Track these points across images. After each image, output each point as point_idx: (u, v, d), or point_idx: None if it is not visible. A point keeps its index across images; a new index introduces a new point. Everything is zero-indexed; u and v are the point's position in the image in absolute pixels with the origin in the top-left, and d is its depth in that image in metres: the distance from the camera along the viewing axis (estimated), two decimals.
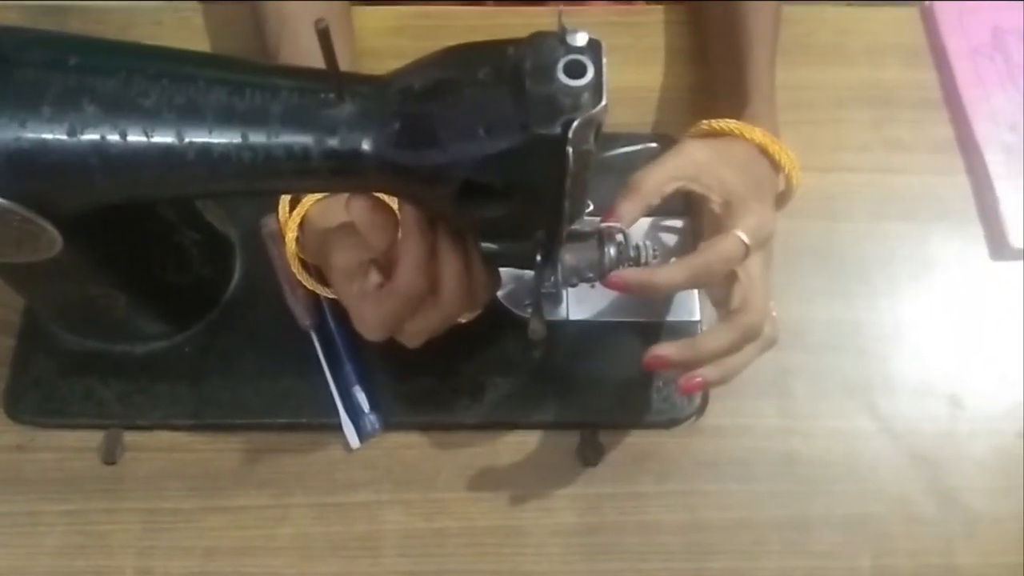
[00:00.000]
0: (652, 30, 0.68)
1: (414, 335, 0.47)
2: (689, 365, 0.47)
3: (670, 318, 0.56)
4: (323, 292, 0.54)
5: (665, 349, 0.47)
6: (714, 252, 0.47)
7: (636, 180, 0.49)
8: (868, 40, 0.68)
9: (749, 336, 0.47)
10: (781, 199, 0.55)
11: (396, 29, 0.68)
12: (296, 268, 0.54)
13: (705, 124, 0.53)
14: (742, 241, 0.47)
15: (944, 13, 0.67)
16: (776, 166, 0.53)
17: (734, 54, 0.58)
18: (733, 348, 0.47)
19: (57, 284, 0.49)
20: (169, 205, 0.51)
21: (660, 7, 0.69)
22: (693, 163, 0.50)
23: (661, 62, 0.67)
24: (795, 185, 0.54)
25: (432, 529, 0.52)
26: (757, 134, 0.52)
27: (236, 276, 0.58)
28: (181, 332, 0.56)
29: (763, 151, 0.53)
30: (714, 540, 0.52)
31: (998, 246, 0.60)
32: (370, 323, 0.46)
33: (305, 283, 0.54)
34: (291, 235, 0.53)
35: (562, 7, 0.38)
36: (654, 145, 0.42)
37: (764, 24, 0.58)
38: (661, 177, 0.49)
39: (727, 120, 0.53)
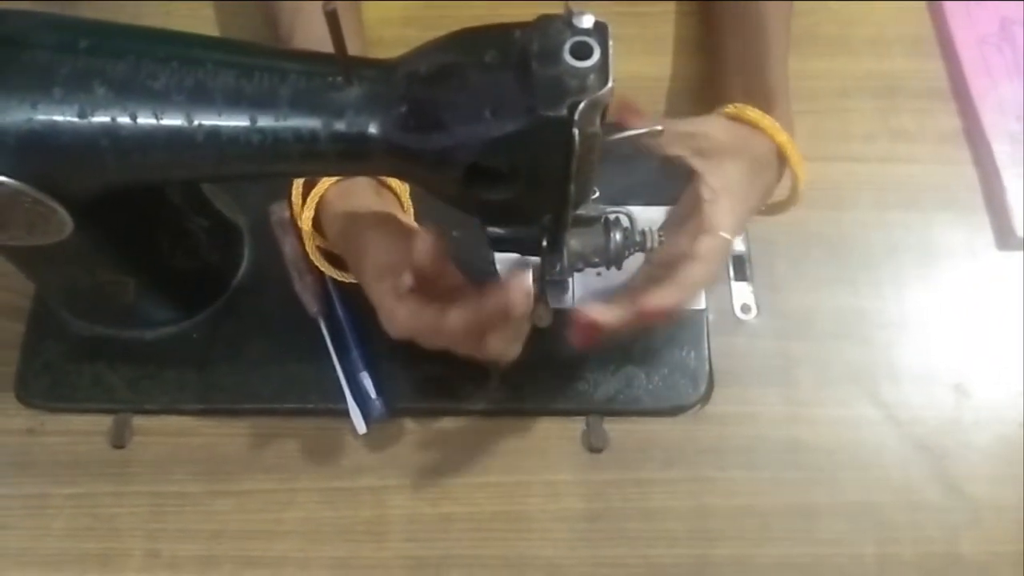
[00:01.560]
0: (659, 20, 0.68)
1: (433, 347, 0.48)
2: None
3: None
4: (337, 275, 0.55)
5: (601, 313, 0.46)
6: (708, 261, 0.47)
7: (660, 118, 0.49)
8: (874, 30, 0.68)
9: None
10: (778, 207, 0.55)
11: (404, 20, 0.68)
12: (311, 249, 0.55)
13: (735, 107, 0.52)
14: (728, 241, 0.48)
15: (951, 4, 0.67)
16: (785, 172, 0.53)
17: (753, 52, 0.57)
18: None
19: (67, 268, 0.49)
20: (178, 191, 0.51)
21: None
22: (709, 139, 0.50)
23: (668, 52, 0.67)
24: (799, 196, 0.53)
25: (438, 514, 0.52)
26: (784, 138, 0.52)
27: (244, 263, 0.58)
28: (189, 318, 0.56)
29: (782, 156, 0.52)
30: (719, 527, 0.52)
31: (1004, 236, 0.60)
32: (399, 326, 0.46)
33: (319, 265, 0.55)
34: (308, 214, 0.54)
35: None
36: (659, 128, 0.42)
37: (782, 22, 0.58)
38: (678, 127, 0.49)
39: (761, 113, 0.52)
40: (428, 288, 0.47)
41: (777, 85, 0.55)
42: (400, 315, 0.46)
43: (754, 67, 0.57)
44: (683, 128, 0.50)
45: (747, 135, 0.52)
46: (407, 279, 0.46)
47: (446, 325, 0.45)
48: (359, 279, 0.50)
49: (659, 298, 0.46)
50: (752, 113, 0.52)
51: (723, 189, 0.49)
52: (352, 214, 0.51)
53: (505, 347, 0.47)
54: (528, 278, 0.43)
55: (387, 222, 0.48)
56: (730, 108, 0.53)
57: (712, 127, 0.51)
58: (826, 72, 0.66)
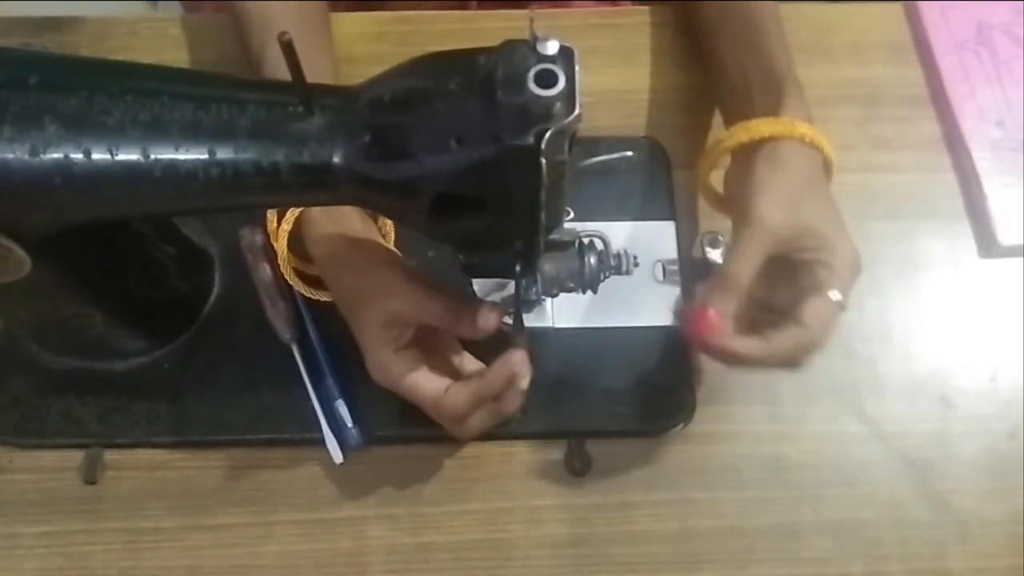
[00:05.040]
0: (635, 31, 0.67)
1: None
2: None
3: (655, 322, 0.56)
4: (314, 295, 0.54)
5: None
6: (816, 327, 0.47)
7: (727, 273, 0.47)
8: (852, 37, 0.67)
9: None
10: None
11: (375, 35, 0.67)
12: (287, 271, 0.54)
13: (740, 133, 0.50)
14: (839, 304, 0.47)
15: (928, 9, 0.67)
16: (825, 160, 0.51)
17: (751, 44, 0.55)
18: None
19: (29, 304, 0.48)
20: (143, 219, 0.50)
21: (643, 8, 0.68)
22: (774, 234, 0.47)
23: (644, 64, 0.66)
24: (834, 172, 0.52)
25: (418, 544, 0.51)
26: (804, 128, 0.49)
27: (215, 289, 0.57)
28: (160, 348, 0.55)
29: (813, 145, 0.50)
30: (704, 549, 0.51)
31: (987, 244, 0.59)
32: (389, 379, 0.47)
33: (297, 287, 0.54)
34: (286, 227, 0.53)
35: (543, 9, 0.37)
36: (630, 154, 0.41)
37: (773, 11, 0.57)
38: (750, 263, 0.47)
39: (765, 120, 0.50)
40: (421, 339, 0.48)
41: (783, 71, 0.53)
42: (395, 371, 0.47)
43: (755, 58, 0.54)
44: (753, 251, 0.47)
45: (775, 166, 0.49)
46: (408, 332, 0.47)
47: (435, 409, 0.47)
48: (349, 316, 0.49)
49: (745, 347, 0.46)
50: (763, 129, 0.49)
51: (824, 242, 0.47)
52: (344, 240, 0.50)
53: (487, 424, 0.49)
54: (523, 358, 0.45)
55: (391, 264, 0.48)
56: (739, 136, 0.50)
57: (765, 224, 0.47)
58: (804, 80, 0.64)
